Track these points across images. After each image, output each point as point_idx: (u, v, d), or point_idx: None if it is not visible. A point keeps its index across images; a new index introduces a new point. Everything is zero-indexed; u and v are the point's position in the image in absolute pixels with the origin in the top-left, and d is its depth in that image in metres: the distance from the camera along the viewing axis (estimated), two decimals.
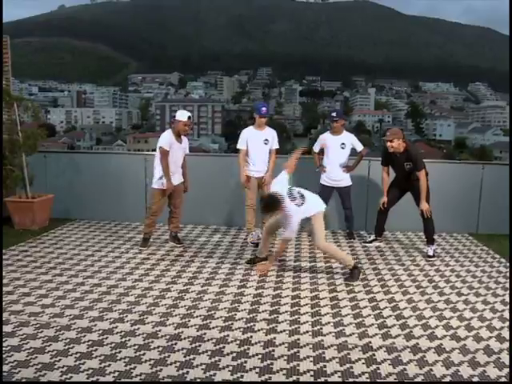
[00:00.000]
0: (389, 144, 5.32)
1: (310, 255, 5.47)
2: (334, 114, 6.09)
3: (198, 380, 2.82)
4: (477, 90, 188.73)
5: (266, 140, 5.74)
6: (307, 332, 3.45)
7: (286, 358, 3.08)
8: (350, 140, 6.03)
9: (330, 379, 2.86)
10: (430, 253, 5.45)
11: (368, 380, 2.85)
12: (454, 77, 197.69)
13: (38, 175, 6.75)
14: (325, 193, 6.06)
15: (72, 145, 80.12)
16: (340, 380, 2.85)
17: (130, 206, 6.97)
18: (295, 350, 3.19)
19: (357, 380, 2.85)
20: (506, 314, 3.86)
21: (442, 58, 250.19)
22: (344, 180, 6.04)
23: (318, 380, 2.85)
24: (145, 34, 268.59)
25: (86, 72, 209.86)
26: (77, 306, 3.86)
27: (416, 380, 2.87)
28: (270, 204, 4.35)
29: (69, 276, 4.59)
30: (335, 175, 6.03)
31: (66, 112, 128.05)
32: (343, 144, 5.98)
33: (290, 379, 2.85)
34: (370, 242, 5.91)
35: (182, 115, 5.39)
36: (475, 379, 2.90)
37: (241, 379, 2.84)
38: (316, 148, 6.23)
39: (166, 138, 5.36)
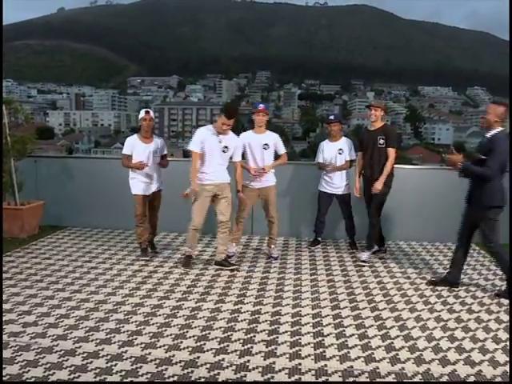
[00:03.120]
0: (372, 112, 5.24)
1: (311, 267, 5.21)
2: (331, 118, 5.88)
3: None
4: (475, 94, 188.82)
5: (266, 145, 5.21)
6: (309, 356, 3.19)
7: None
8: (348, 146, 5.76)
9: None
10: (363, 257, 5.35)
11: None
12: (452, 81, 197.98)
13: (29, 181, 6.50)
14: (324, 200, 5.87)
15: (70, 147, 79.78)
16: None
17: (123, 213, 6.67)
18: (296, 376, 2.93)
19: None
20: None
21: (440, 62, 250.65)
22: (343, 187, 5.76)
23: None
24: (144, 37, 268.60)
25: (85, 75, 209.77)
26: (61, 324, 3.59)
27: None
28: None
29: (55, 290, 4.31)
30: (334, 182, 5.77)
31: (64, 114, 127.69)
32: (341, 150, 5.72)
33: None
34: (373, 252, 5.61)
35: (141, 113, 5.26)
36: None
37: None
38: (320, 158, 5.91)
39: (128, 143, 5.22)
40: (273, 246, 5.47)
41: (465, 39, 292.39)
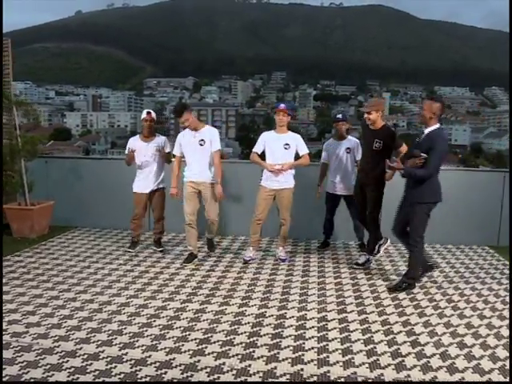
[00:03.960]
0: (366, 116, 4.84)
1: (319, 269, 5.13)
2: (339, 116, 5.73)
3: None
4: (493, 94, 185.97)
5: (287, 144, 5.06)
6: (312, 361, 3.12)
7: None
8: (356, 145, 5.61)
9: None
10: (360, 260, 5.20)
11: None
12: (469, 81, 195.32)
13: (40, 181, 6.53)
14: (331, 201, 5.76)
15: (87, 148, 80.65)
16: None
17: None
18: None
19: None
20: None
21: (457, 62, 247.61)
22: (351, 188, 5.49)
23: None
24: (160, 39, 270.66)
25: (101, 76, 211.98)
26: (64, 325, 3.58)
27: None
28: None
29: (60, 290, 4.31)
30: (341, 183, 5.63)
31: (81, 116, 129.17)
32: (348, 149, 5.59)
33: None
34: (363, 264, 5.28)
35: (143, 113, 5.52)
36: None
37: None
38: (325, 158, 5.81)
39: (128, 142, 5.54)
40: (281, 248, 5.40)
41: (482, 38, 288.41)
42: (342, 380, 2.89)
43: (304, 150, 5.15)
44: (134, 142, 5.49)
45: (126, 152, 5.48)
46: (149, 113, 5.49)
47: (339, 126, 5.67)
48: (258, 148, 5.17)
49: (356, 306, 4.07)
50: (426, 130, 4.24)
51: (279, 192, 5.13)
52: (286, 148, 5.05)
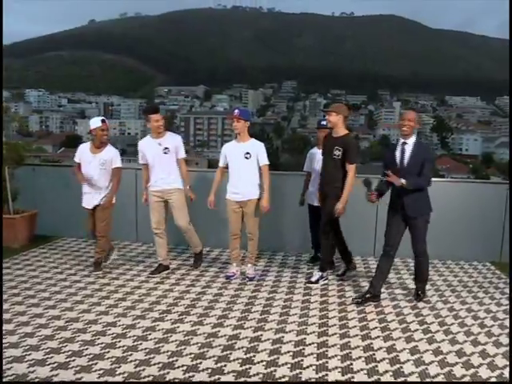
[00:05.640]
0: (327, 117, 4.60)
1: (322, 288, 4.83)
2: (324, 123, 5.17)
3: None
4: (505, 103, 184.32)
5: (248, 153, 4.70)
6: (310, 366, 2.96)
7: None
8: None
9: None
10: (313, 278, 4.86)
11: None
12: (481, 90, 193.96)
13: (26, 189, 6.35)
14: (315, 214, 5.27)
15: None
16: None
17: (119, 223, 6.48)
18: None
19: None
20: None
21: (469, 72, 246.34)
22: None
23: None
24: (171, 48, 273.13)
25: (113, 84, 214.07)
26: (23, 344, 3.34)
27: None
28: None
29: (28, 305, 4.09)
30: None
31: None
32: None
33: None
34: (343, 274, 5.10)
35: (96, 122, 4.90)
36: None
37: None
38: (308, 167, 5.43)
39: (77, 151, 5.06)
40: (249, 266, 5.00)
41: (494, 48, 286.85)
42: None
43: (263, 160, 4.74)
44: (82, 152, 4.99)
45: (75, 160, 5.03)
46: (104, 121, 4.93)
47: (324, 133, 5.03)
48: (221, 162, 4.92)
49: (357, 314, 3.77)
50: (410, 142, 4.21)
51: (243, 204, 4.80)
52: (246, 157, 4.71)
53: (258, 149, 4.76)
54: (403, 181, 4.06)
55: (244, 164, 4.72)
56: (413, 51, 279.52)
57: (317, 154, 5.24)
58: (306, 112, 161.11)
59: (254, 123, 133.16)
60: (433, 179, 6.30)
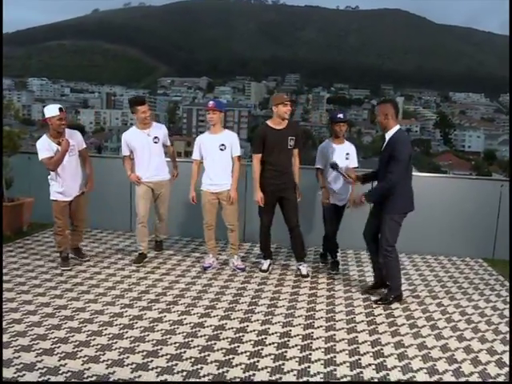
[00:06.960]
0: (288, 108, 4.57)
1: (328, 281, 4.82)
2: (340, 116, 4.94)
3: None
4: (508, 101, 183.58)
5: (222, 145, 4.72)
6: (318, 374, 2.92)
7: None
8: (354, 150, 5.11)
9: None
10: (304, 272, 4.83)
11: None
12: (485, 87, 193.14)
13: (22, 177, 6.36)
14: (330, 213, 5.07)
15: (100, 145, 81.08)
16: None
17: (114, 213, 6.51)
18: None
19: None
20: None
21: (473, 68, 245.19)
22: (346, 199, 4.98)
23: None
24: (175, 39, 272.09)
25: (116, 74, 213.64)
26: (10, 329, 3.36)
27: None
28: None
29: (18, 292, 4.11)
30: (341, 193, 4.98)
31: (95, 113, 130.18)
32: (348, 154, 4.99)
33: None
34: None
35: (52, 110, 4.52)
36: None
37: None
38: (319, 163, 5.08)
39: (44, 146, 4.58)
40: (236, 257, 5.00)
41: (499, 45, 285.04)
42: None
43: (236, 151, 4.81)
44: (50, 145, 4.59)
45: (46, 156, 4.56)
46: (61, 109, 4.58)
47: (340, 128, 4.92)
48: (195, 155, 4.87)
49: (365, 316, 3.79)
50: (387, 136, 4.06)
51: (220, 195, 4.82)
52: (221, 149, 4.74)
53: (231, 140, 4.81)
54: (363, 198, 4.11)
55: (219, 155, 4.75)
56: (417, 46, 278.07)
57: (331, 150, 4.97)
58: (308, 105, 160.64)
59: (257, 116, 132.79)
60: (430, 175, 6.35)
